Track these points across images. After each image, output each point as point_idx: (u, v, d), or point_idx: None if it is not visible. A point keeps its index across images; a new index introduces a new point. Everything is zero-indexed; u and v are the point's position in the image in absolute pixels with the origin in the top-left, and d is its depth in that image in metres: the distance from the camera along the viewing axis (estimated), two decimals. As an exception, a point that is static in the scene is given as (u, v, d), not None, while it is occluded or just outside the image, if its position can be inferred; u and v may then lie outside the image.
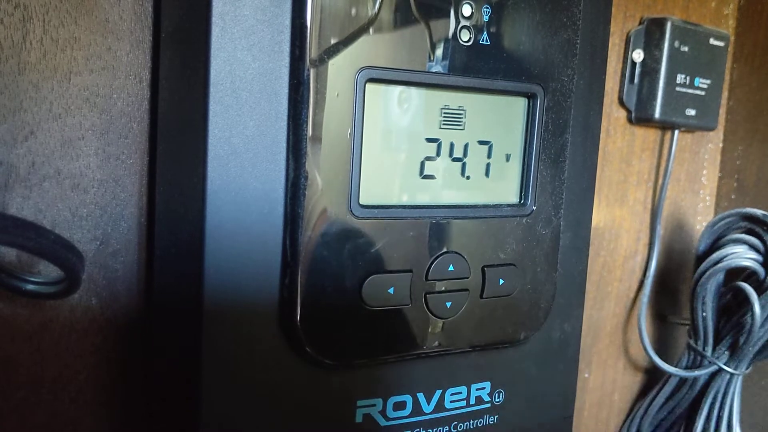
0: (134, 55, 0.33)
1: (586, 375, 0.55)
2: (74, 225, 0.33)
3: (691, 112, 0.53)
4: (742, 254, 0.49)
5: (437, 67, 0.30)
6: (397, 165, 0.31)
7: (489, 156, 0.33)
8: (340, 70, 0.28)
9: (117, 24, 0.33)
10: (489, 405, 0.35)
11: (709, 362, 0.49)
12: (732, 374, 0.49)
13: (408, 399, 0.33)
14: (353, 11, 0.28)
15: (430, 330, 0.32)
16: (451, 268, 0.32)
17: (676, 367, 0.51)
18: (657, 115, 0.51)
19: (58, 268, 0.28)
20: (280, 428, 0.30)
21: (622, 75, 0.53)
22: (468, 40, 0.31)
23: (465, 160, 0.33)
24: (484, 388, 0.35)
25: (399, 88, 0.30)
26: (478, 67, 0.31)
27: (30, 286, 0.30)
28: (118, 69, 0.33)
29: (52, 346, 0.33)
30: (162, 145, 0.32)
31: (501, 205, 0.34)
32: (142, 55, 0.33)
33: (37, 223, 0.29)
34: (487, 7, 0.31)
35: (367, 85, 0.29)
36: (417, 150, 0.31)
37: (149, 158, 0.34)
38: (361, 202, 0.29)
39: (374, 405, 0.32)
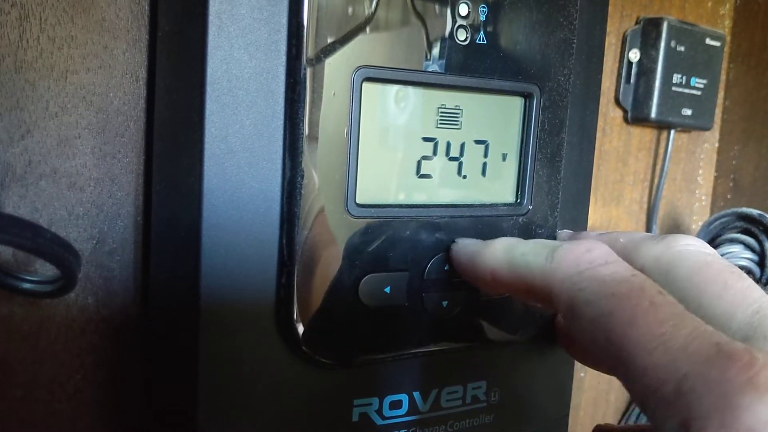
0: (131, 53, 0.33)
1: (582, 374, 0.55)
2: (70, 224, 0.33)
3: (688, 111, 0.53)
4: (738, 254, 0.49)
5: (434, 67, 0.30)
6: (393, 164, 0.31)
7: (485, 155, 0.33)
8: (337, 69, 0.28)
9: (113, 23, 0.33)
10: (485, 404, 0.35)
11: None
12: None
13: (404, 398, 0.33)
14: (350, 10, 0.28)
15: (426, 329, 0.32)
16: (447, 267, 0.32)
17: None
18: (653, 114, 0.51)
19: (55, 267, 0.28)
20: (276, 427, 0.30)
21: (619, 75, 0.53)
22: (465, 40, 0.31)
23: (461, 159, 0.33)
24: (480, 387, 0.35)
25: (396, 88, 0.30)
26: (475, 66, 0.31)
27: (26, 285, 0.30)
28: (115, 68, 0.33)
29: (48, 345, 0.33)
30: (158, 144, 0.32)
31: (497, 204, 0.34)
32: (139, 53, 0.33)
33: (33, 222, 0.29)
34: (483, 7, 0.31)
35: (363, 84, 0.29)
36: (413, 149, 0.31)
37: (146, 157, 0.34)
38: (357, 201, 0.30)
39: (370, 404, 0.32)
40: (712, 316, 0.23)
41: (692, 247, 0.27)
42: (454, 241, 0.32)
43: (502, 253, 0.28)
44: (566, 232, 0.35)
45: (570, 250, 0.24)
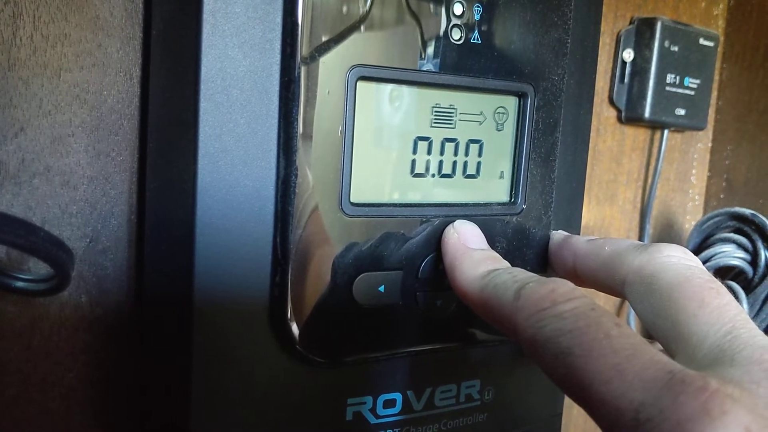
0: (125, 51, 0.33)
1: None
2: (64, 222, 0.33)
3: (681, 111, 0.53)
4: (730, 253, 0.49)
5: (428, 66, 0.30)
6: (388, 163, 0.31)
7: (479, 155, 0.33)
8: (332, 67, 0.28)
9: (107, 21, 0.32)
10: (479, 403, 0.35)
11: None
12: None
13: (398, 397, 0.33)
14: (344, 9, 0.28)
15: (420, 328, 0.32)
16: (442, 267, 0.32)
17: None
18: (647, 114, 0.51)
19: (48, 266, 0.28)
20: (270, 426, 0.30)
21: (613, 74, 0.53)
22: (459, 39, 0.31)
23: (456, 158, 0.33)
24: (473, 386, 0.35)
25: (390, 87, 0.30)
26: (469, 65, 0.31)
27: (19, 284, 0.30)
28: (109, 66, 0.33)
29: (42, 343, 0.33)
30: (152, 143, 0.32)
31: (491, 203, 0.34)
32: (133, 52, 0.33)
33: (26, 220, 0.29)
34: (478, 6, 0.31)
35: (358, 83, 0.29)
36: (408, 148, 0.31)
37: (139, 155, 0.34)
38: (351, 200, 0.30)
39: (364, 403, 0.32)
40: (687, 335, 0.23)
41: (674, 258, 0.27)
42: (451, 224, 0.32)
43: (478, 279, 0.28)
44: (560, 233, 0.35)
45: (534, 290, 0.24)
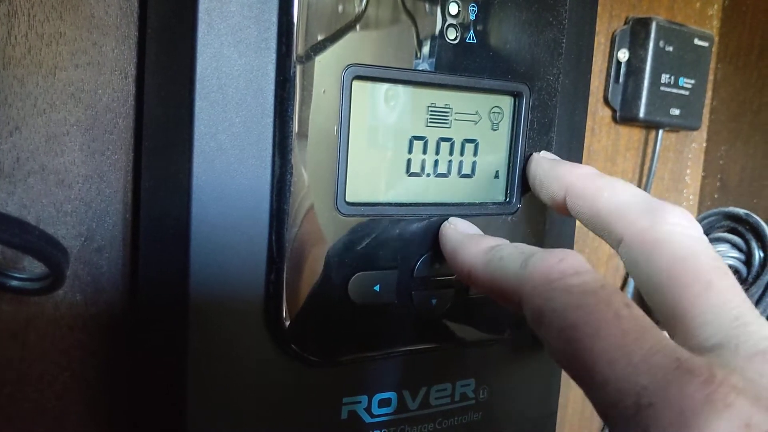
0: (120, 50, 0.33)
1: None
2: (59, 221, 0.33)
3: (676, 111, 0.53)
4: (724, 253, 0.50)
5: (424, 65, 0.30)
6: (383, 162, 0.31)
7: (475, 154, 0.33)
8: (327, 67, 0.28)
9: (103, 19, 0.32)
10: (473, 402, 0.35)
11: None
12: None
13: (393, 396, 0.33)
14: (340, 8, 0.28)
15: (415, 327, 0.32)
16: (437, 265, 0.32)
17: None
18: (641, 114, 0.51)
19: (43, 264, 0.28)
20: (265, 425, 0.30)
21: (608, 74, 0.53)
22: (454, 39, 0.31)
23: (451, 158, 0.33)
24: (468, 385, 0.35)
25: (385, 86, 0.30)
26: (465, 65, 0.31)
27: (14, 282, 0.30)
28: (104, 64, 0.33)
29: (37, 342, 0.33)
30: (147, 141, 0.32)
31: (487, 203, 0.34)
32: (128, 50, 0.33)
33: (21, 219, 0.29)
34: (473, 6, 0.31)
35: (353, 83, 0.29)
36: (403, 148, 0.31)
37: (134, 154, 0.34)
38: (347, 200, 0.30)
39: (359, 402, 0.32)
40: (690, 316, 0.23)
41: (679, 227, 0.25)
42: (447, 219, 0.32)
43: (483, 254, 0.27)
44: (545, 155, 0.33)
45: (543, 259, 0.24)
